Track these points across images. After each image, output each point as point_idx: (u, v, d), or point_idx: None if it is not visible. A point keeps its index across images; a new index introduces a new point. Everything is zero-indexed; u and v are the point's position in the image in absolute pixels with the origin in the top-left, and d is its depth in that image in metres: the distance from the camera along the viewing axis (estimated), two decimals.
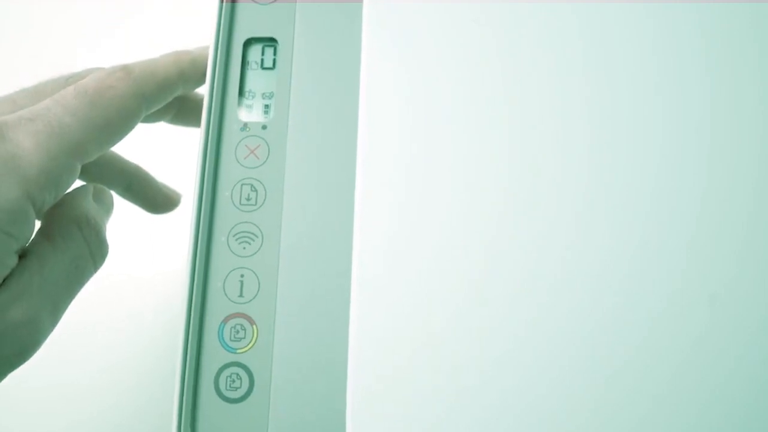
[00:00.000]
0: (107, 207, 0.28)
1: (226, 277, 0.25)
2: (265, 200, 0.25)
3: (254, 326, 0.24)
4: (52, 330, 0.23)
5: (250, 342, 0.24)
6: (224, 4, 0.27)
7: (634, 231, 0.23)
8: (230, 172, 0.26)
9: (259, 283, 0.25)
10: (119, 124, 0.24)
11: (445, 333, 0.23)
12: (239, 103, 0.27)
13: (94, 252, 0.25)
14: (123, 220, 0.30)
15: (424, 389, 0.23)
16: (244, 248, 0.25)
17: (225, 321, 0.25)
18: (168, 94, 0.26)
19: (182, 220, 0.26)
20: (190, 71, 0.27)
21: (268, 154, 0.26)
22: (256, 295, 0.25)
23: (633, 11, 0.25)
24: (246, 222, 0.25)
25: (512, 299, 0.23)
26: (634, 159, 0.24)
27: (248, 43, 0.27)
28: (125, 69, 0.25)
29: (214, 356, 0.24)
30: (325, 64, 0.26)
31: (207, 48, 0.27)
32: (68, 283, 0.23)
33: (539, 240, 0.23)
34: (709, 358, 0.22)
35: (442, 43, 0.25)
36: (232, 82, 0.27)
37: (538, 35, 0.25)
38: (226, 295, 0.25)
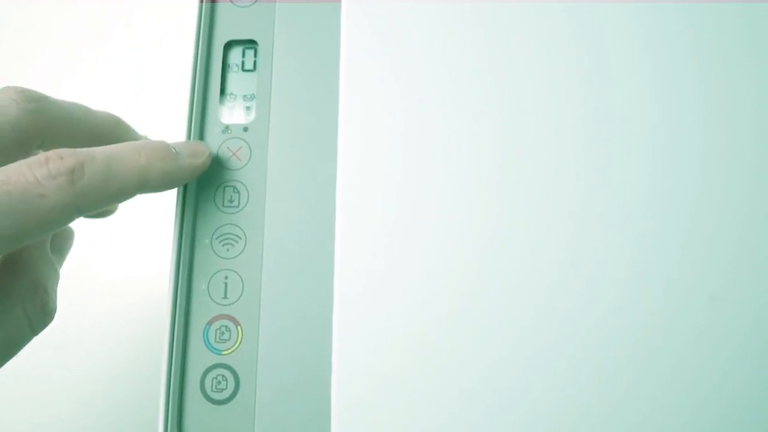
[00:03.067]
0: (64, 253, 0.26)
1: (211, 278, 0.25)
2: (247, 202, 0.26)
3: (239, 327, 0.25)
4: None
5: (235, 343, 0.24)
6: (204, 6, 0.27)
7: (628, 233, 0.24)
8: (212, 175, 0.26)
9: (243, 285, 0.25)
10: (38, 233, 0.20)
11: (430, 334, 0.23)
12: (220, 105, 0.27)
13: (35, 324, 0.23)
14: (107, 221, 0.30)
15: (408, 389, 0.23)
16: (228, 250, 0.25)
17: (210, 323, 0.25)
18: (112, 204, 0.23)
19: (167, 221, 0.26)
20: (155, 184, 0.23)
21: (250, 156, 0.26)
22: (240, 297, 0.25)
23: (623, 8, 0.26)
24: (229, 224, 0.25)
25: (503, 301, 0.23)
26: (628, 158, 0.24)
27: (228, 46, 0.27)
28: (72, 172, 0.21)
29: (199, 358, 0.25)
30: (305, 65, 0.26)
31: (198, 154, 0.25)
32: None
33: (532, 242, 0.24)
34: (706, 357, 0.22)
35: (422, 43, 0.26)
36: (213, 84, 0.27)
37: (524, 34, 0.26)
38: (210, 296, 0.25)
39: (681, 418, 0.22)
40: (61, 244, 0.26)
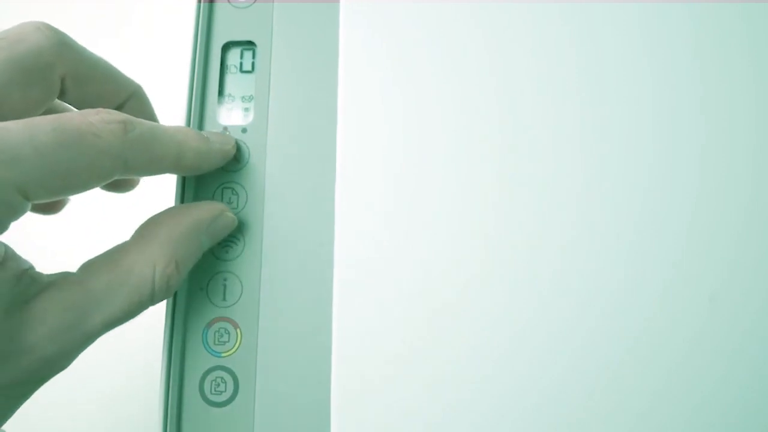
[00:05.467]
0: (216, 237, 0.25)
1: (209, 281, 0.25)
2: (246, 203, 0.25)
3: (238, 330, 0.24)
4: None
5: (234, 345, 0.24)
6: (201, 7, 0.27)
7: (625, 232, 0.24)
8: (211, 176, 0.26)
9: (242, 287, 0.25)
10: (85, 179, 0.20)
11: (429, 336, 0.23)
12: (219, 107, 0.27)
13: (157, 293, 0.23)
14: (106, 222, 0.30)
15: (408, 392, 0.23)
16: (227, 252, 0.25)
17: (209, 325, 0.25)
18: (151, 173, 0.23)
19: None
20: (189, 163, 0.24)
21: (249, 157, 0.26)
22: (239, 299, 0.25)
23: (621, 6, 0.26)
24: None
25: (503, 301, 0.23)
26: (627, 156, 0.24)
27: (227, 47, 0.27)
28: (124, 123, 0.21)
29: (198, 360, 0.24)
30: (303, 66, 0.26)
31: (227, 141, 0.25)
32: None
33: (530, 241, 0.23)
34: (705, 357, 0.22)
35: (420, 44, 0.26)
36: (211, 85, 0.27)
37: (521, 33, 0.25)
38: (209, 299, 0.25)
39: (680, 418, 0.22)
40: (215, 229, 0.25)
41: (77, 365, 0.22)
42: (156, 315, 0.25)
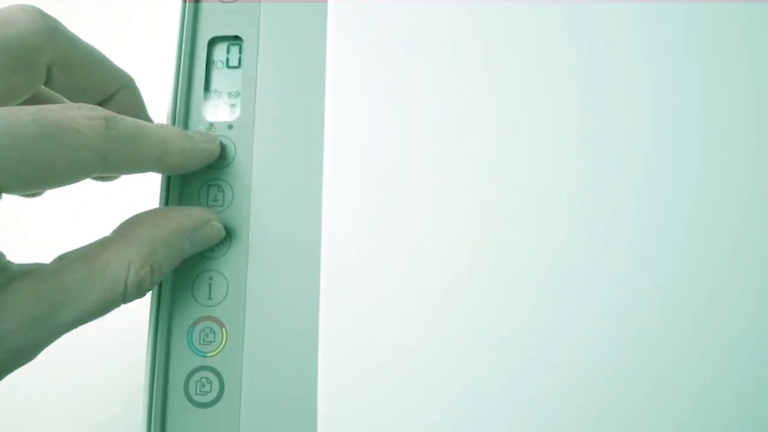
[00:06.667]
0: (200, 246, 0.25)
1: (195, 279, 0.25)
2: (232, 201, 0.25)
3: (223, 329, 0.24)
4: None
5: (219, 345, 0.24)
6: (187, 2, 0.27)
7: (623, 233, 0.23)
8: (197, 173, 0.25)
9: (227, 285, 0.24)
10: (62, 174, 0.20)
11: (417, 335, 0.23)
12: (205, 103, 0.26)
13: (129, 293, 0.22)
14: (92, 221, 0.29)
15: (395, 391, 0.22)
16: (212, 250, 0.25)
17: (194, 324, 0.24)
18: (133, 171, 0.22)
19: None
20: (173, 162, 0.24)
21: (235, 154, 0.25)
22: (224, 298, 0.24)
23: (617, 6, 0.25)
24: None
25: (492, 300, 0.23)
26: (624, 155, 0.24)
27: (213, 42, 0.27)
28: (106, 119, 0.20)
29: (183, 360, 0.24)
30: (290, 61, 0.26)
31: (211, 140, 0.25)
32: None
33: (524, 240, 0.23)
34: (704, 357, 0.22)
35: (408, 40, 0.25)
36: (197, 81, 0.26)
37: (511, 32, 0.25)
38: (194, 298, 0.24)
39: (680, 417, 0.22)
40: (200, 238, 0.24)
41: (59, 365, 0.21)
42: (140, 313, 0.25)
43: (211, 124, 0.26)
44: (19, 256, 0.22)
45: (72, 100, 0.24)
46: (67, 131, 0.19)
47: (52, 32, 0.22)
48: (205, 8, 0.27)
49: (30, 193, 0.25)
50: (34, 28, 0.22)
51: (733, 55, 0.25)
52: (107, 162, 0.21)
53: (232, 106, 0.26)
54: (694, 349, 0.22)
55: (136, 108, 0.26)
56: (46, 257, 0.22)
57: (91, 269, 0.21)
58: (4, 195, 0.19)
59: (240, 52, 0.27)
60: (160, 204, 0.25)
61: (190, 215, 0.24)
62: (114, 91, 0.25)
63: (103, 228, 0.22)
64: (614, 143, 0.24)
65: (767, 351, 0.22)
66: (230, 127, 0.26)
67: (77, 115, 0.20)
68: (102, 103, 0.25)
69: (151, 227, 0.23)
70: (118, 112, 0.22)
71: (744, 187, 0.23)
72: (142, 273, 0.22)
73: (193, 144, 0.24)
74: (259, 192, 0.25)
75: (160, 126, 0.23)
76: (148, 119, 0.26)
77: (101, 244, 0.22)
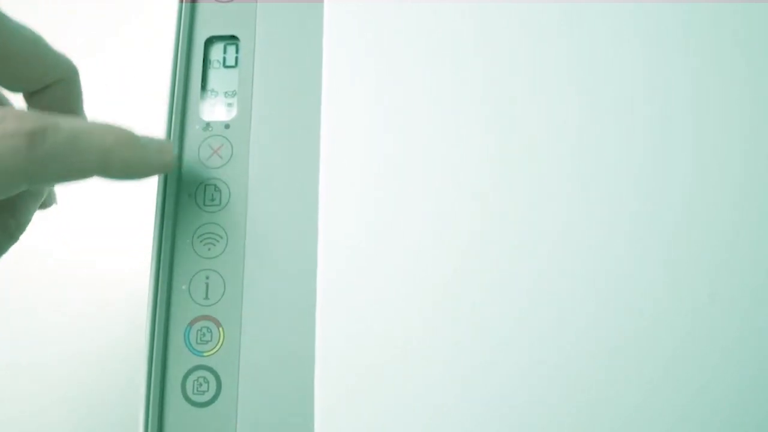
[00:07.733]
0: (20, 217, 0.24)
1: (192, 279, 0.25)
2: (229, 200, 0.25)
3: (220, 328, 0.24)
4: None
5: (216, 345, 0.24)
6: (184, 2, 0.27)
7: (621, 233, 0.23)
8: (193, 173, 0.25)
9: (224, 285, 0.24)
10: None
11: (414, 334, 0.23)
12: (201, 102, 0.26)
13: None
14: (88, 218, 0.29)
15: (392, 390, 0.22)
16: (209, 249, 0.25)
17: (191, 324, 0.24)
18: (68, 182, 0.20)
19: (148, 218, 0.25)
20: (116, 173, 0.21)
21: (232, 154, 0.25)
22: (221, 297, 0.24)
23: (616, 6, 0.25)
24: (210, 223, 0.25)
25: (488, 299, 0.23)
26: (622, 154, 0.24)
27: (210, 42, 0.27)
28: (33, 135, 0.18)
29: (180, 360, 0.24)
30: (287, 61, 0.26)
31: (165, 150, 0.23)
32: None
33: (520, 238, 0.23)
34: (704, 357, 0.22)
35: (405, 39, 0.25)
36: (193, 81, 0.26)
37: (508, 32, 0.25)
38: (191, 297, 0.24)
39: (676, 416, 0.22)
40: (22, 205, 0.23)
41: (58, 365, 0.21)
42: (137, 313, 0.25)
43: (208, 124, 0.26)
44: (17, 255, 0.22)
45: (6, 88, 0.23)
46: None
47: None
48: (201, 8, 0.27)
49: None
50: None
51: (732, 55, 0.25)
52: (34, 181, 0.19)
53: (229, 105, 0.26)
54: (692, 347, 0.22)
55: (71, 105, 0.24)
56: (45, 256, 0.22)
57: None
58: None
59: (237, 51, 0.27)
60: (157, 201, 0.25)
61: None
62: (50, 82, 0.23)
63: (99, 225, 0.22)
64: (612, 142, 0.24)
65: (765, 349, 0.22)
66: (227, 126, 0.26)
67: None
68: (37, 94, 0.23)
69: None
70: (51, 106, 0.20)
71: (742, 185, 0.23)
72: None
73: (141, 155, 0.22)
74: (256, 191, 0.25)
75: (106, 131, 0.21)
76: (83, 116, 0.25)
77: None
